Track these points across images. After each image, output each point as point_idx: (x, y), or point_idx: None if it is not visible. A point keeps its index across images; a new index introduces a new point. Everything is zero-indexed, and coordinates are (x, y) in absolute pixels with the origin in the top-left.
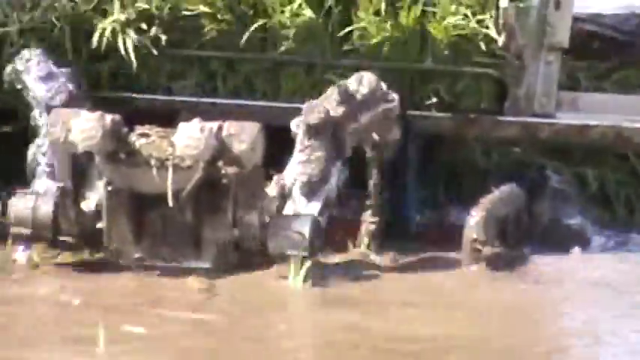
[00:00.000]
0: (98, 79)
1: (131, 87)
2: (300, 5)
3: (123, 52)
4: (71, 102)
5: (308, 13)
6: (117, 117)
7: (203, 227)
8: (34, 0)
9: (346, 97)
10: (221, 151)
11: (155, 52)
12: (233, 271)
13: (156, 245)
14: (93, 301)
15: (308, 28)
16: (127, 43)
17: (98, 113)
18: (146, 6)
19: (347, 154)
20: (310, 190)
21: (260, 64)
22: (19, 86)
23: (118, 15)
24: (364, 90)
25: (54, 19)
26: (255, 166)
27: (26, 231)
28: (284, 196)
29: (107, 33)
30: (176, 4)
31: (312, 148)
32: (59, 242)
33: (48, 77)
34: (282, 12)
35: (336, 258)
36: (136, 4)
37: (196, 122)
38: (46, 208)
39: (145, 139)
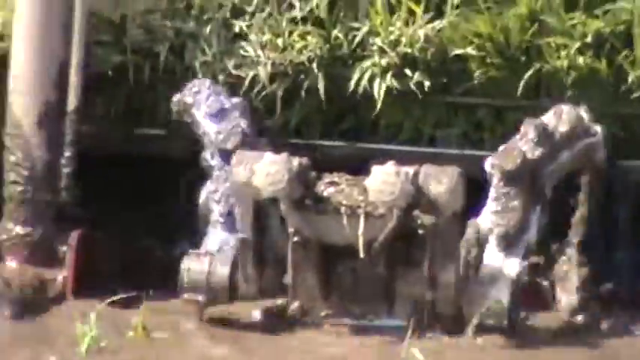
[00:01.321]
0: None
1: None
2: (579, 50)
3: (376, 97)
4: (244, 144)
5: (588, 57)
6: (304, 160)
7: (397, 282)
8: (285, 40)
9: (544, 137)
10: (417, 197)
11: (420, 96)
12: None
13: (345, 301)
14: None
15: (588, 74)
16: (382, 88)
17: (284, 155)
18: (408, 50)
19: (546, 198)
20: (508, 243)
21: (532, 111)
22: (187, 120)
23: (378, 59)
24: (564, 127)
25: (306, 62)
26: (453, 214)
27: (201, 297)
28: (481, 245)
29: (365, 77)
30: (440, 47)
31: (509, 196)
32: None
33: (219, 114)
34: (559, 57)
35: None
36: (398, 49)
37: (391, 165)
38: (223, 272)
39: (333, 187)
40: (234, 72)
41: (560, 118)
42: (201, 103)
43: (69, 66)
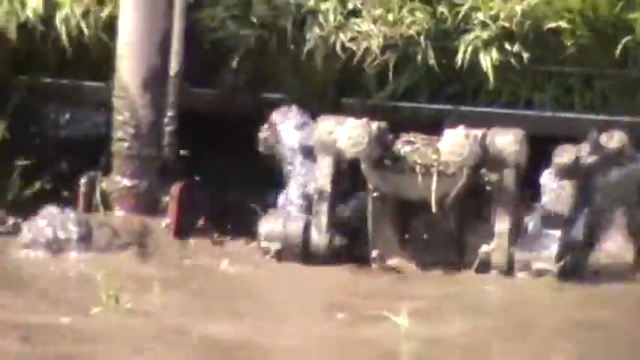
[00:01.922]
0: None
1: (492, 102)
2: None
3: (484, 68)
4: None
5: None
6: (382, 124)
7: (466, 233)
8: (395, 15)
9: (596, 147)
10: (484, 157)
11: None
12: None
13: (419, 251)
14: None
15: None
16: (487, 60)
17: (364, 120)
18: (507, 24)
19: (595, 207)
20: (552, 224)
21: (619, 80)
22: (274, 141)
23: (480, 33)
24: (614, 144)
25: (415, 34)
26: (516, 172)
27: (276, 246)
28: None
29: (469, 50)
30: (535, 21)
31: (561, 188)
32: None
33: (303, 126)
34: None
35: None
36: (497, 22)
37: (461, 129)
38: (296, 226)
39: (409, 146)
40: (348, 44)
41: (611, 138)
42: (288, 120)
43: (171, 34)
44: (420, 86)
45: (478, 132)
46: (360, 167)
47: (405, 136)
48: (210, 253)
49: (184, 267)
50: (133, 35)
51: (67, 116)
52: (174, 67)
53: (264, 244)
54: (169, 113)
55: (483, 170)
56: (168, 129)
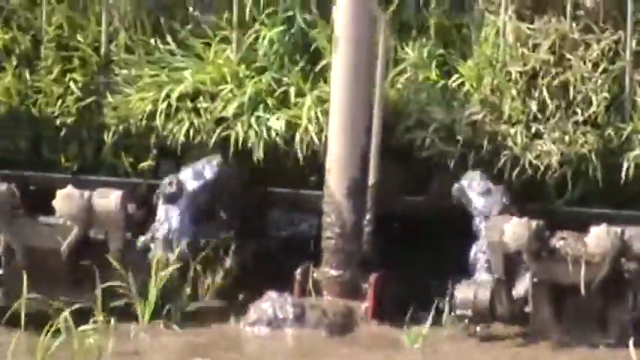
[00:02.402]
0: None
1: None
2: None
3: None
4: (504, 213)
5: None
6: (540, 222)
7: (609, 310)
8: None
9: None
10: (623, 249)
11: None
12: None
13: (571, 326)
14: None
15: None
16: None
17: (525, 219)
18: None
19: None
20: None
21: None
22: (463, 200)
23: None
24: None
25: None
26: None
27: (468, 313)
28: None
29: (632, 165)
30: None
31: None
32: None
33: (486, 193)
34: None
35: None
36: None
37: (604, 227)
38: (484, 295)
39: (562, 240)
40: (534, 162)
41: None
42: (474, 185)
43: (369, 149)
44: (592, 194)
45: (618, 229)
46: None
47: (559, 233)
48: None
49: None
50: (338, 151)
51: (288, 219)
52: (371, 178)
53: (459, 311)
54: (368, 216)
55: (623, 260)
56: (367, 229)
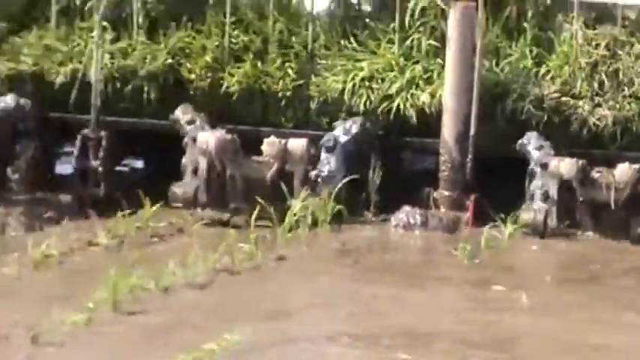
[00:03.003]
0: None
1: None
2: None
3: None
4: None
5: None
6: (584, 161)
7: (630, 219)
8: None
9: None
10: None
11: None
12: None
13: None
14: None
15: None
16: None
17: (575, 159)
18: None
19: None
20: None
21: None
22: (524, 151)
23: None
24: None
25: None
26: None
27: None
28: None
29: None
30: None
31: None
32: None
33: (540, 147)
34: None
35: None
36: None
37: (627, 164)
38: (540, 216)
39: (598, 173)
40: (596, 122)
41: None
42: (532, 142)
43: (470, 112)
44: (633, 143)
45: (636, 165)
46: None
47: (597, 168)
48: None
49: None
50: (449, 111)
51: (418, 158)
52: (472, 130)
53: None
54: (469, 157)
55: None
56: (468, 165)
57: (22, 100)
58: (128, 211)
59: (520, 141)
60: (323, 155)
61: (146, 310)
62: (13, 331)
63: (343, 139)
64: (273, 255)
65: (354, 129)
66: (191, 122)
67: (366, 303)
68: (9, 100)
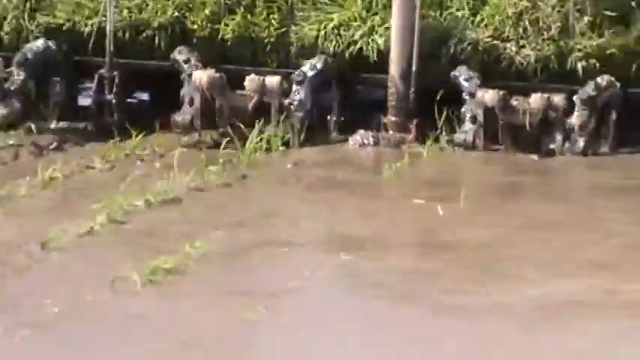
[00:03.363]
0: None
1: None
2: None
3: None
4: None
5: None
6: (504, 92)
7: (541, 138)
8: None
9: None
10: (549, 106)
11: None
12: None
13: (521, 146)
14: None
15: None
16: None
17: (496, 90)
18: None
19: None
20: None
21: None
22: (457, 82)
23: None
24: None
25: None
26: None
27: (460, 143)
28: None
29: None
30: None
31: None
32: None
33: (469, 79)
34: None
35: None
36: None
37: (539, 94)
38: (470, 135)
39: (516, 101)
40: (521, 60)
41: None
42: (462, 74)
43: (412, 52)
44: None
45: (546, 95)
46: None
47: (515, 97)
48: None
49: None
50: (394, 51)
51: (371, 90)
52: (414, 67)
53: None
54: (412, 89)
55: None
56: (411, 96)
57: (51, 44)
58: (118, 138)
59: (452, 73)
60: (294, 87)
61: (133, 220)
62: (24, 239)
63: (310, 73)
64: (238, 174)
65: (319, 65)
66: (187, 61)
67: (306, 212)
68: (39, 43)
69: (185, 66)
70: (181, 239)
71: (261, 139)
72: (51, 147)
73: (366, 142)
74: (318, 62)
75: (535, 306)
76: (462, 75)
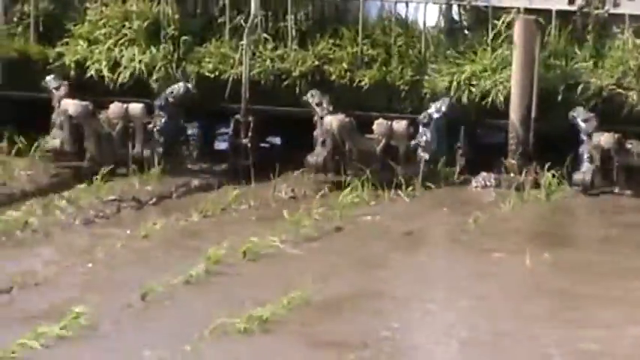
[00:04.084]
0: None
1: None
2: None
3: None
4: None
5: None
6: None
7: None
8: None
9: None
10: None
11: None
12: None
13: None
14: None
15: None
16: None
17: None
18: None
19: None
20: None
21: None
22: (574, 123)
23: None
24: None
25: None
26: None
27: (579, 183)
28: None
29: None
30: None
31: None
32: None
33: (587, 120)
34: None
35: None
36: None
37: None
38: (588, 175)
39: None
40: None
41: None
42: (580, 115)
43: (532, 101)
44: None
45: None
46: None
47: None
48: None
49: None
50: (515, 99)
51: (492, 134)
52: (533, 114)
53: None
54: (531, 133)
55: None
56: (531, 140)
57: (190, 86)
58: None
59: (570, 114)
60: (420, 129)
61: (229, 272)
62: (125, 290)
63: (436, 115)
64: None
65: (444, 108)
66: (319, 104)
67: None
68: (179, 86)
69: (318, 109)
70: (277, 289)
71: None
72: (150, 202)
73: (488, 183)
74: (442, 105)
75: None
76: (580, 116)
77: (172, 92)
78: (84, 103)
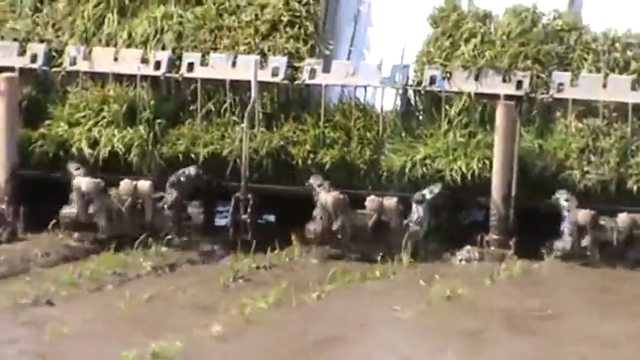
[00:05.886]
0: None
1: None
2: None
3: None
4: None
5: None
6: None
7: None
8: None
9: None
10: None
11: None
12: None
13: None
14: None
15: None
16: None
17: (588, 210)
18: None
19: None
20: None
21: None
22: (556, 203)
23: None
24: None
25: None
26: None
27: (561, 254)
28: None
29: None
30: None
31: None
32: None
33: (568, 199)
34: None
35: None
36: None
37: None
38: (568, 245)
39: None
40: None
41: None
42: (563, 196)
43: (512, 180)
44: None
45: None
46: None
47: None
48: None
49: None
50: (497, 178)
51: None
52: (513, 191)
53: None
54: (512, 210)
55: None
56: (511, 216)
57: (201, 172)
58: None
59: (553, 196)
60: (414, 207)
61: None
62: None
63: (429, 196)
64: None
65: (436, 190)
66: (320, 186)
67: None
68: (191, 170)
69: (319, 189)
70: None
71: None
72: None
73: (472, 256)
74: (435, 188)
75: None
76: (562, 196)
77: (185, 173)
78: (96, 180)
